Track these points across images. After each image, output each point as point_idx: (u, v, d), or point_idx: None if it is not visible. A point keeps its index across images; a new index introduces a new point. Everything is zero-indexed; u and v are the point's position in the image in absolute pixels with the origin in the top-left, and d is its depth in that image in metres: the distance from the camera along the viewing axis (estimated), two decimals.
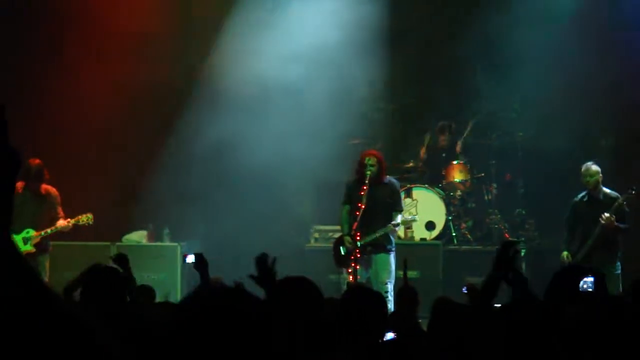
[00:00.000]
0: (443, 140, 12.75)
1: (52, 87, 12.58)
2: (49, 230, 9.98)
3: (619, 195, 9.54)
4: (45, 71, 12.63)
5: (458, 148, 12.65)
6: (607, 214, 9.32)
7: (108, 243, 11.58)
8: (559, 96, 12.07)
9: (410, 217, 10.76)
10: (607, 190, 9.61)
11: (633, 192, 9.49)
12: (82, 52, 12.63)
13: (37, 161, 9.87)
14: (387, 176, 10.06)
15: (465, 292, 6.49)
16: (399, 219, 9.84)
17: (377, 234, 9.63)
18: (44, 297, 1.46)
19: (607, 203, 9.47)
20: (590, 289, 2.90)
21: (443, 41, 12.60)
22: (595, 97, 12.05)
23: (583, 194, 9.71)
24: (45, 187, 10.09)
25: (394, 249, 9.85)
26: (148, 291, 7.30)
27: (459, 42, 12.36)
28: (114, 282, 5.14)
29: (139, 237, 11.95)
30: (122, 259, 6.18)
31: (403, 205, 10.30)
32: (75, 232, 10.45)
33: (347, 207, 9.90)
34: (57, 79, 12.58)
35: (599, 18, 12.10)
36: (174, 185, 12.52)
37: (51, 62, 12.69)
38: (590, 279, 2.94)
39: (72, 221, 10.04)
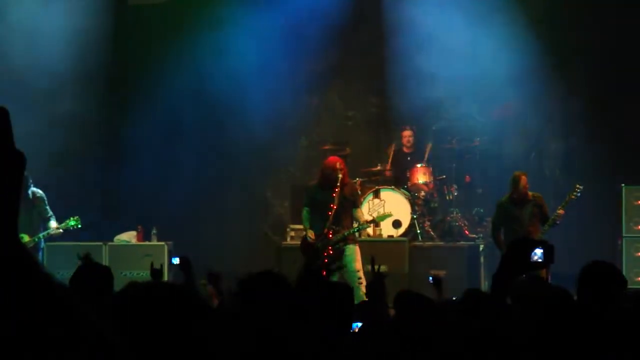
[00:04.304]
0: (408, 143, 13.24)
1: None
2: (40, 236, 10.17)
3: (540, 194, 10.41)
4: None
5: (427, 153, 13.13)
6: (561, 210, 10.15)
7: (100, 243, 11.97)
8: (514, 104, 12.91)
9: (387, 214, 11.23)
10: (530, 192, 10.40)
11: (580, 187, 10.26)
12: None
13: None
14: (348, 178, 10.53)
15: (432, 282, 6.97)
16: (360, 214, 10.30)
17: (351, 231, 10.07)
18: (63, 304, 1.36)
19: (536, 202, 10.30)
20: (540, 260, 3.02)
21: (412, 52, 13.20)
22: (547, 105, 13.00)
23: (508, 196, 10.35)
24: (32, 191, 10.20)
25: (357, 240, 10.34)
26: None
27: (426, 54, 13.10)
28: (105, 278, 4.91)
29: (128, 237, 12.25)
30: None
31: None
32: (71, 232, 10.57)
33: (307, 209, 10.38)
34: None
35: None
36: (163, 189, 13.21)
37: None
38: (540, 250, 3.02)
39: (62, 226, 10.25)
